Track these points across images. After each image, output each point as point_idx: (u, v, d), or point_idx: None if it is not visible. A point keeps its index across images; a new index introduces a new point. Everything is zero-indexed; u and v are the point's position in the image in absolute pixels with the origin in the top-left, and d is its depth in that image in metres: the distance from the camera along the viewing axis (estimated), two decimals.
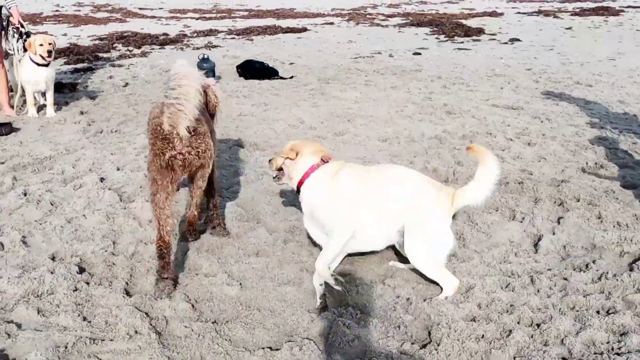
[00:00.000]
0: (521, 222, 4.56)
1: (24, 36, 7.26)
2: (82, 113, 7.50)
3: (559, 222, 4.55)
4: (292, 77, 9.60)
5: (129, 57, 11.48)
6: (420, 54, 12.01)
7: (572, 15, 20.00)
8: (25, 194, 5.01)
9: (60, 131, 6.77)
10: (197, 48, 12.71)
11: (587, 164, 5.82)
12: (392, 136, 6.66)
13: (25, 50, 7.20)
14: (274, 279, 3.76)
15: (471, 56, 11.89)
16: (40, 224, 4.50)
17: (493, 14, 20.30)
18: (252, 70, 9.40)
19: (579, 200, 4.89)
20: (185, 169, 3.66)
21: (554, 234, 4.38)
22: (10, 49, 7.30)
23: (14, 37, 7.30)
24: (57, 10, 21.35)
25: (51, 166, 5.68)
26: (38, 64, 7.06)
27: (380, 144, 6.43)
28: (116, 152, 6.01)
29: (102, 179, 5.33)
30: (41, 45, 6.96)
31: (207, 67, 8.90)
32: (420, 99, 8.41)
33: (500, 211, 4.76)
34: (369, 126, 7.08)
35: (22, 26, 7.27)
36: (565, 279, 3.74)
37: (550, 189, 5.09)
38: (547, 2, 25.07)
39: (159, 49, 12.75)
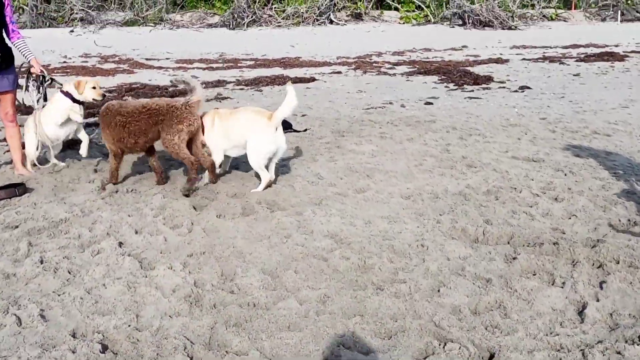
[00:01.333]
0: (562, 287, 4.36)
1: (46, 82, 7.15)
2: (95, 171, 7.35)
3: (601, 287, 4.35)
4: (305, 130, 9.50)
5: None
6: (432, 103, 11.95)
7: (577, 61, 20.07)
8: (41, 262, 4.83)
9: (74, 191, 6.62)
10: (207, 100, 12.64)
11: (619, 220, 5.64)
12: (414, 192, 6.49)
13: (45, 99, 7.10)
14: (310, 356, 3.54)
15: (483, 105, 11.82)
16: (59, 295, 4.31)
17: (499, 60, 20.37)
18: None
19: (618, 262, 4.70)
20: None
21: (598, 300, 4.18)
22: (32, 102, 7.11)
23: (35, 88, 7.09)
24: (64, 62, 21.48)
25: (67, 230, 5.50)
26: (74, 100, 6.99)
27: (404, 201, 6.26)
28: (133, 214, 5.84)
29: (120, 244, 5.15)
30: (94, 88, 6.98)
31: None
32: (438, 151, 8.28)
33: (538, 275, 4.56)
34: (389, 182, 6.92)
35: (44, 73, 7.12)
36: (619, 352, 3.53)
37: (587, 250, 4.90)
38: (550, 47, 25.25)
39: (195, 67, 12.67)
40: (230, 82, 15.66)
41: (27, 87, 7.09)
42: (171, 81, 6.72)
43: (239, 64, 21.08)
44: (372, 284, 4.44)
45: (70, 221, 5.72)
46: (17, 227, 5.62)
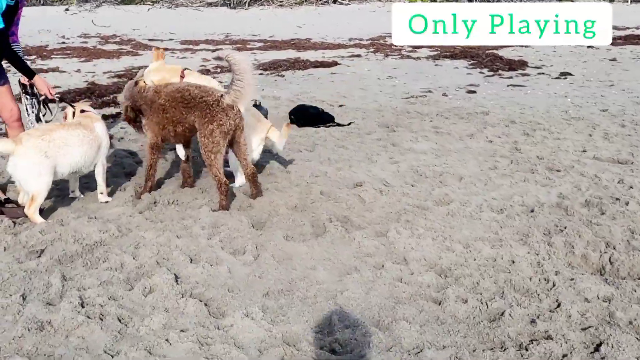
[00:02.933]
0: None
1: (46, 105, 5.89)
2: (126, 175, 6.33)
3: None
4: (350, 124, 8.49)
5: None
6: (475, 92, 10.98)
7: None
8: (82, 304, 3.84)
9: (105, 202, 5.59)
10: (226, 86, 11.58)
11: None
12: (503, 204, 5.54)
13: (38, 120, 5.80)
14: None
15: (531, 94, 10.85)
16: (112, 357, 3.32)
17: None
18: (307, 116, 8.29)
19: None
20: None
21: None
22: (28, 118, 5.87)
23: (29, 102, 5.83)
24: (63, 42, 20.25)
25: (105, 257, 4.49)
26: None
27: (497, 216, 5.30)
28: (182, 234, 4.84)
29: (176, 278, 4.15)
30: None
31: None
32: (507, 150, 7.32)
33: None
34: (470, 189, 5.96)
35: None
36: None
37: None
38: None
39: None
40: None
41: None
42: (215, 58, 6.71)
43: (247, 46, 19.96)
44: (510, 340, 3.48)
45: (107, 244, 4.72)
46: (43, 251, 4.61)
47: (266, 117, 7.76)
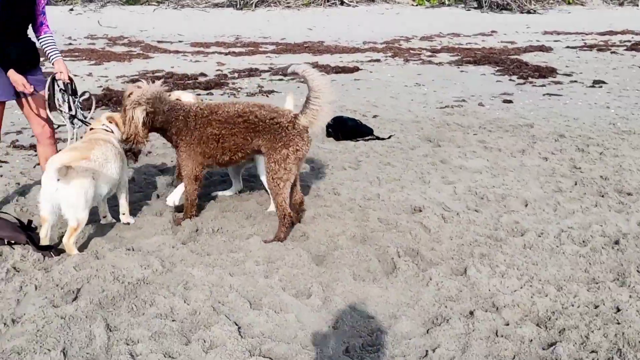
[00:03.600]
0: None
1: (79, 96, 5.42)
2: (158, 196, 5.77)
3: None
4: (390, 137, 7.93)
5: None
6: (511, 101, 10.44)
7: (626, 50, 18.58)
8: None
9: (141, 229, 5.04)
10: (252, 94, 11.04)
11: None
12: (583, 235, 5.01)
13: (73, 118, 5.25)
14: None
15: (570, 104, 10.30)
16: None
17: (542, 48, 18.82)
18: (346, 129, 7.74)
19: None
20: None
21: None
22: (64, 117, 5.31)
23: (64, 100, 5.26)
24: (70, 44, 19.64)
25: (152, 300, 3.93)
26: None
27: (580, 249, 4.78)
28: (235, 272, 4.28)
29: (240, 331, 3.59)
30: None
31: None
32: (566, 169, 6.77)
33: None
34: (539, 216, 5.42)
35: (72, 81, 5.33)
36: None
37: None
38: (586, 34, 23.71)
39: (206, 94, 11.07)
40: (264, 71, 14.00)
41: (51, 98, 5.19)
42: (281, 72, 5.41)
43: (260, 49, 19.40)
44: None
45: (151, 282, 4.16)
46: (79, 291, 4.05)
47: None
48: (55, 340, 3.49)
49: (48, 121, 5.25)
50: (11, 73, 4.85)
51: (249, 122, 4.62)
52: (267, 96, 10.80)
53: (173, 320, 3.71)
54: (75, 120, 5.29)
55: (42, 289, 4.09)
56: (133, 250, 4.64)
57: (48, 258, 4.48)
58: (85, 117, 5.40)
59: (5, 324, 3.68)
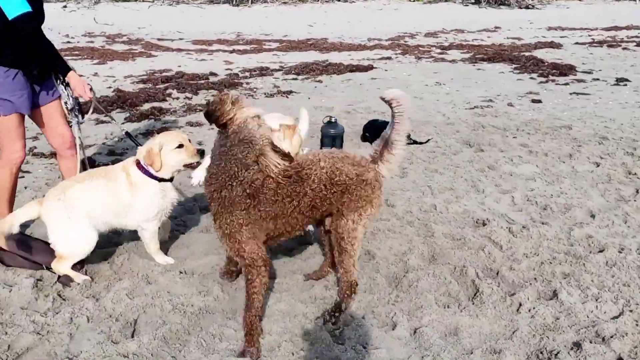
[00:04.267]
0: None
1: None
2: (200, 210, 5.36)
3: None
4: (428, 141, 7.56)
5: (199, 110, 9.36)
6: (540, 101, 10.12)
7: (636, 45, 18.34)
8: None
9: (189, 248, 4.62)
10: (270, 95, 10.62)
11: None
12: None
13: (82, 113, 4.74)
14: None
15: (601, 104, 9.99)
16: None
17: (552, 44, 18.53)
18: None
19: None
20: None
21: None
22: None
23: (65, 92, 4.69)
24: (68, 42, 19.09)
25: (221, 333, 3.54)
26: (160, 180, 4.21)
27: None
28: (305, 299, 3.88)
29: None
30: (180, 147, 4.16)
31: (334, 133, 6.85)
32: (622, 175, 6.45)
33: None
34: (612, 229, 5.10)
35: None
36: None
37: None
38: (591, 29, 23.47)
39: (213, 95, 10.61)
40: (276, 70, 13.58)
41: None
42: (383, 98, 3.71)
43: (264, 46, 18.97)
44: None
45: (214, 312, 3.77)
46: (136, 323, 3.65)
47: (342, 137, 6.88)
48: None
49: (67, 130, 4.75)
50: (73, 75, 4.49)
51: (337, 182, 3.46)
52: (287, 97, 10.38)
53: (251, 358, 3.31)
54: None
55: (95, 321, 3.69)
56: (186, 273, 4.23)
57: (94, 283, 4.07)
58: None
59: None
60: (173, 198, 4.32)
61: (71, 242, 4.03)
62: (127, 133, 5.01)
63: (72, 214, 3.99)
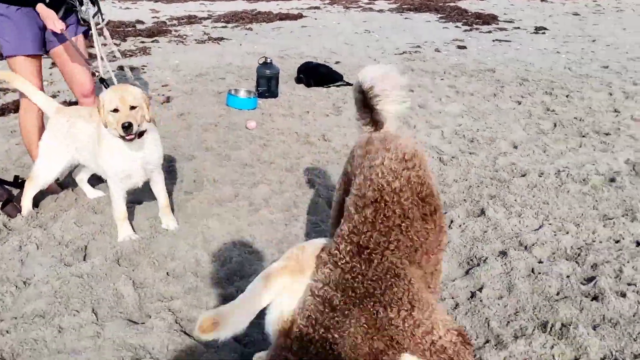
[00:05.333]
0: None
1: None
2: None
3: None
4: None
5: (130, 56, 9.21)
6: (465, 47, 10.52)
7: None
8: (176, 321, 3.07)
9: (138, 214, 4.68)
10: (201, 42, 10.55)
11: None
12: (580, 174, 5.09)
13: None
14: None
15: (522, 50, 10.48)
16: None
17: None
18: (318, 75, 7.51)
19: None
20: None
21: None
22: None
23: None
24: None
25: (172, 254, 3.69)
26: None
27: (582, 187, 4.84)
28: (253, 221, 4.06)
29: None
30: (115, 111, 3.46)
31: (270, 74, 6.96)
32: (541, 111, 6.88)
33: None
34: (532, 157, 5.50)
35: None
36: None
37: None
38: None
39: (152, 42, 10.48)
40: (204, 18, 13.43)
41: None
42: (361, 87, 2.65)
43: None
44: None
45: (166, 236, 3.90)
46: (86, 248, 3.74)
47: (278, 78, 6.99)
48: (81, 301, 3.21)
49: (86, 78, 4.36)
50: (40, 7, 3.90)
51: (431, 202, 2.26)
52: (218, 43, 10.35)
53: (198, 276, 3.48)
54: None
55: (45, 248, 3.76)
56: (133, 202, 4.33)
57: (40, 214, 4.11)
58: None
59: (16, 286, 3.35)
60: (148, 164, 3.80)
61: (39, 165, 4.01)
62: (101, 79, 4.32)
63: (53, 141, 3.96)
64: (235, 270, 3.52)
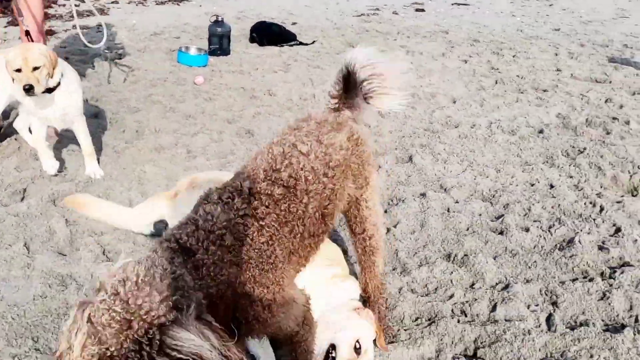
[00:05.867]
0: None
1: None
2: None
3: None
4: (314, 42, 7.93)
5: (87, 16, 9.21)
6: (423, 10, 10.67)
7: None
8: (103, 252, 3.25)
9: (76, 161, 4.83)
10: (161, 2, 10.56)
11: None
12: (511, 126, 5.34)
13: None
14: None
15: (479, 13, 10.68)
16: None
17: None
18: (270, 34, 7.64)
19: None
20: None
21: None
22: None
23: None
24: None
25: (107, 195, 3.86)
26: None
27: (510, 137, 5.10)
28: (188, 167, 4.24)
29: None
30: (18, 70, 3.57)
31: (221, 32, 7.06)
32: (486, 70, 7.11)
33: None
34: (469, 111, 5.71)
35: None
36: None
37: None
38: None
39: (112, 2, 10.47)
40: None
41: None
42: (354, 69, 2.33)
43: None
44: (591, 269, 3.28)
45: (103, 179, 4.06)
46: (25, 192, 3.90)
47: (229, 36, 7.11)
48: (14, 236, 3.38)
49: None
50: None
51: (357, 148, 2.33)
52: (178, 5, 10.38)
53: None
54: None
55: None
56: (73, 151, 4.47)
57: None
58: None
59: None
60: (65, 115, 3.89)
61: None
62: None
63: None
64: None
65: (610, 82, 6.81)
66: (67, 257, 3.22)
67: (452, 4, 11.40)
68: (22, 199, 3.83)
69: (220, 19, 7.11)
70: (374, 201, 2.51)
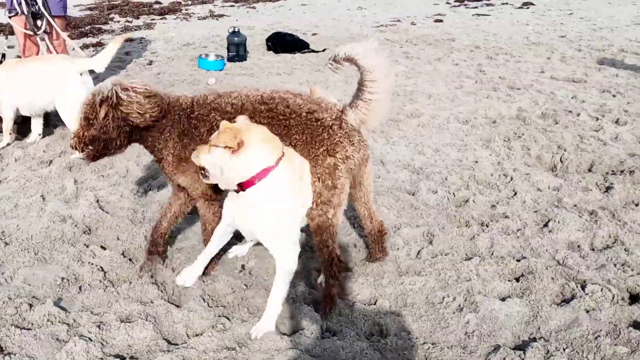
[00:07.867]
0: None
1: None
2: None
3: None
4: (324, 50, 8.90)
5: (134, 30, 10.55)
6: (442, 20, 11.42)
7: None
8: (97, 202, 4.31)
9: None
10: (203, 18, 11.82)
11: None
12: (468, 117, 6.11)
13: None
14: (442, 302, 3.20)
15: (495, 23, 11.34)
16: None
17: None
18: (284, 43, 8.67)
19: None
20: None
21: None
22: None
23: None
24: None
25: (111, 164, 4.94)
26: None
27: (462, 126, 5.88)
28: None
29: None
30: None
31: (238, 41, 8.14)
32: (473, 72, 7.86)
33: None
34: (438, 105, 6.51)
35: None
36: None
37: None
38: None
39: (160, 19, 11.81)
40: None
41: None
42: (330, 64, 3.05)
43: None
44: (473, 219, 4.08)
45: None
46: (52, 162, 5.03)
47: (245, 45, 8.17)
48: (35, 190, 4.50)
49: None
50: None
51: (275, 112, 3.01)
52: (217, 19, 11.59)
53: (125, 178, 4.73)
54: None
55: (21, 161, 5.07)
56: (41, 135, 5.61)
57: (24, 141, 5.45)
58: None
59: None
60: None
61: None
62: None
63: None
64: (152, 175, 4.75)
65: (586, 81, 7.43)
66: (69, 204, 4.30)
67: (473, 15, 12.11)
68: (48, 166, 4.97)
69: (237, 29, 8.20)
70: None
